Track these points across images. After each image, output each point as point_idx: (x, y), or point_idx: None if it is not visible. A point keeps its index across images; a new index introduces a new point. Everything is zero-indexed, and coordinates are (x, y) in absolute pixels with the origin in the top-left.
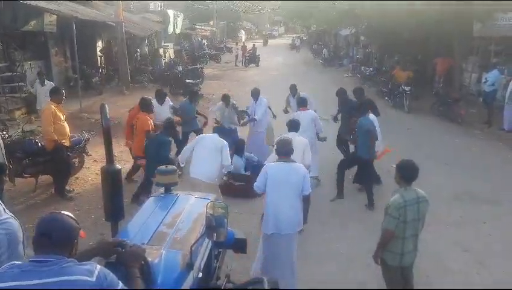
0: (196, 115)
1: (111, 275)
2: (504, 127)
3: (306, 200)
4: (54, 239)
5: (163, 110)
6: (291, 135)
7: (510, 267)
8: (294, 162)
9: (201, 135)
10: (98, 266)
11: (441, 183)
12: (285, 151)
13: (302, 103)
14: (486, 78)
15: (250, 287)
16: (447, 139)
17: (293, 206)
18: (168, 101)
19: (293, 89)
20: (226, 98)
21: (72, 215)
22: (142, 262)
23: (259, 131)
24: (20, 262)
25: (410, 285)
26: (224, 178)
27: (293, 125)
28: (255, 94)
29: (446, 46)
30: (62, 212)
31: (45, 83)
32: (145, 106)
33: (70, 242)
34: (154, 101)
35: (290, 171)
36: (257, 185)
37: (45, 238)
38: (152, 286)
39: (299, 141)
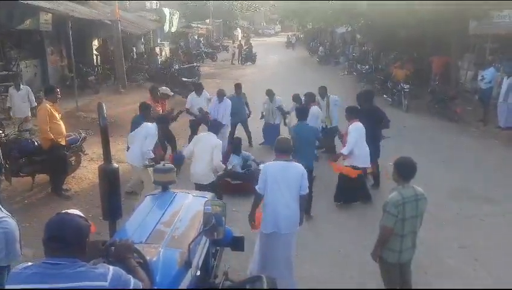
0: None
1: (124, 276)
2: (500, 124)
3: (303, 199)
4: (64, 241)
5: (200, 102)
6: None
7: (506, 264)
8: (293, 161)
9: (198, 135)
10: (111, 268)
11: (438, 180)
12: (284, 150)
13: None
14: (482, 76)
15: (249, 286)
16: (443, 136)
17: (292, 205)
18: (206, 94)
19: (270, 93)
20: (270, 93)
21: (80, 214)
22: (141, 260)
23: (277, 123)
24: (31, 263)
25: (408, 282)
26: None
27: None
28: (270, 94)
29: (442, 44)
30: (69, 211)
31: (21, 87)
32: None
33: (81, 242)
34: (192, 93)
35: (288, 170)
36: (259, 187)
37: (55, 240)
38: (150, 284)
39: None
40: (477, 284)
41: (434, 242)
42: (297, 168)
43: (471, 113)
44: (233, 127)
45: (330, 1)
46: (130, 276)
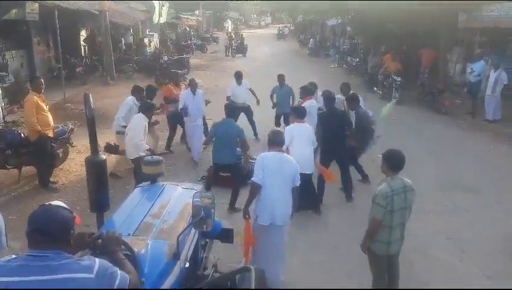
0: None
1: (110, 269)
2: (487, 117)
3: (295, 191)
4: (49, 233)
5: (241, 91)
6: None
7: (492, 255)
8: (285, 153)
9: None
10: (97, 260)
11: (425, 172)
12: (277, 141)
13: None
14: (471, 69)
15: (238, 277)
16: (432, 129)
17: (287, 196)
18: (246, 83)
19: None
20: (280, 78)
21: (64, 205)
22: (129, 252)
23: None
24: (15, 256)
25: (396, 273)
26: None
27: None
28: (281, 79)
29: (431, 37)
30: (53, 203)
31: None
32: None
33: (66, 234)
34: (233, 81)
35: (283, 162)
36: (257, 177)
37: (40, 233)
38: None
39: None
40: (463, 275)
41: (421, 233)
42: (291, 160)
43: (460, 106)
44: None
45: (321, 1)
46: (117, 268)
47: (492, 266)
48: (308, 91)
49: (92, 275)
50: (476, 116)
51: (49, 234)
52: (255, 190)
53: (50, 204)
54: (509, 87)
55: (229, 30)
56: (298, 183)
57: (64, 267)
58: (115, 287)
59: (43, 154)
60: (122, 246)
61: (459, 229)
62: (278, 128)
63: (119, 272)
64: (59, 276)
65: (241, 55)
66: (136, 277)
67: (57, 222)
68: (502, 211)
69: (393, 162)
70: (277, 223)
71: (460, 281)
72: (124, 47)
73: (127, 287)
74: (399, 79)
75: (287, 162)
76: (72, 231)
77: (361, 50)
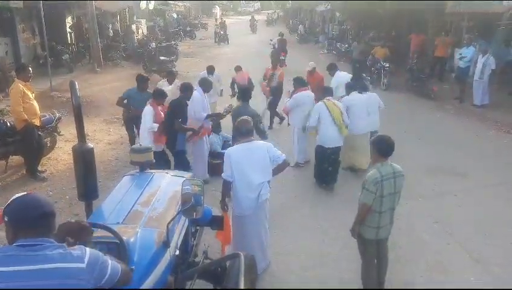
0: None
1: (101, 259)
2: (475, 102)
3: (282, 167)
4: (30, 221)
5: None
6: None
7: (478, 237)
8: (255, 140)
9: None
10: (88, 250)
11: (414, 157)
12: (245, 131)
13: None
14: (460, 54)
15: (228, 263)
16: (420, 114)
17: (258, 187)
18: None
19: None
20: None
21: (39, 194)
22: (117, 241)
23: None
24: (2, 246)
25: (385, 257)
26: None
27: None
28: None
29: (420, 23)
30: (28, 193)
31: None
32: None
33: (48, 221)
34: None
35: (252, 152)
36: (226, 174)
37: (21, 222)
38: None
39: None
40: (451, 258)
41: (409, 217)
42: (260, 146)
43: (448, 91)
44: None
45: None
46: (108, 258)
47: (479, 249)
48: (301, 82)
49: (84, 265)
50: (464, 101)
51: (30, 221)
52: (226, 185)
53: (24, 194)
54: (497, 72)
55: (218, 16)
56: (282, 159)
57: (56, 257)
58: (107, 277)
59: (30, 143)
60: (111, 235)
61: (446, 213)
62: (246, 117)
63: (110, 261)
64: (51, 265)
65: (224, 43)
66: (126, 267)
67: (35, 209)
68: (489, 195)
69: (383, 148)
70: (249, 213)
71: (448, 264)
72: (111, 34)
73: (118, 277)
74: (387, 65)
75: (256, 151)
76: (54, 219)
77: (350, 36)
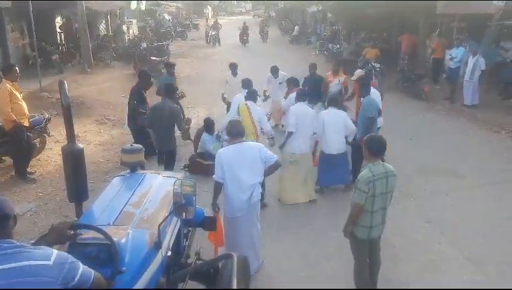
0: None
1: (71, 260)
2: (466, 102)
3: (274, 168)
4: None
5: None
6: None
7: (469, 237)
8: (246, 141)
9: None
10: (55, 250)
11: (406, 157)
12: (236, 132)
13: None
14: (450, 55)
15: (220, 264)
16: (412, 115)
17: (250, 188)
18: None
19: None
20: (273, 70)
21: None
22: (108, 242)
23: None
24: None
25: (377, 256)
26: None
27: None
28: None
29: (410, 24)
30: None
31: None
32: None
33: (5, 220)
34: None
35: (243, 153)
36: (218, 175)
37: None
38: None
39: None
40: (442, 257)
41: (402, 217)
42: (252, 147)
43: (439, 91)
44: None
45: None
46: (79, 262)
47: (470, 248)
48: (294, 83)
49: (50, 263)
50: (454, 102)
51: None
52: (217, 186)
53: None
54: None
55: (209, 17)
56: (274, 160)
57: (21, 256)
58: (76, 280)
59: (19, 144)
60: (102, 236)
61: (438, 212)
62: (236, 118)
63: (82, 266)
64: (18, 264)
65: (215, 44)
66: (99, 276)
67: None
68: (480, 194)
69: (375, 148)
70: (241, 215)
71: (440, 263)
72: (101, 34)
73: (90, 282)
74: (378, 65)
75: (248, 152)
76: (12, 217)
77: (342, 37)
